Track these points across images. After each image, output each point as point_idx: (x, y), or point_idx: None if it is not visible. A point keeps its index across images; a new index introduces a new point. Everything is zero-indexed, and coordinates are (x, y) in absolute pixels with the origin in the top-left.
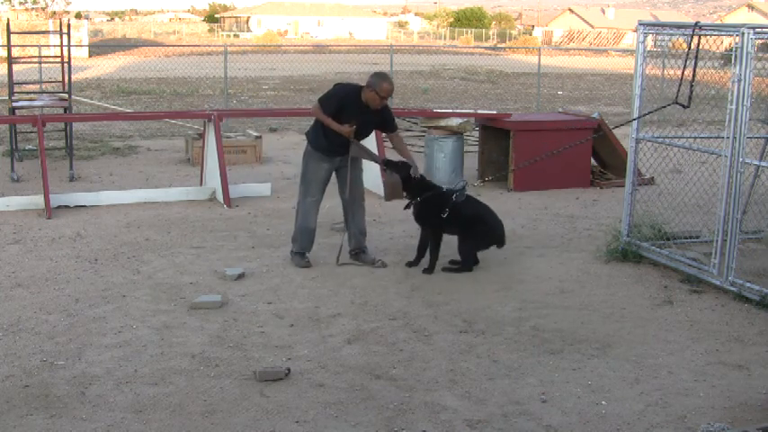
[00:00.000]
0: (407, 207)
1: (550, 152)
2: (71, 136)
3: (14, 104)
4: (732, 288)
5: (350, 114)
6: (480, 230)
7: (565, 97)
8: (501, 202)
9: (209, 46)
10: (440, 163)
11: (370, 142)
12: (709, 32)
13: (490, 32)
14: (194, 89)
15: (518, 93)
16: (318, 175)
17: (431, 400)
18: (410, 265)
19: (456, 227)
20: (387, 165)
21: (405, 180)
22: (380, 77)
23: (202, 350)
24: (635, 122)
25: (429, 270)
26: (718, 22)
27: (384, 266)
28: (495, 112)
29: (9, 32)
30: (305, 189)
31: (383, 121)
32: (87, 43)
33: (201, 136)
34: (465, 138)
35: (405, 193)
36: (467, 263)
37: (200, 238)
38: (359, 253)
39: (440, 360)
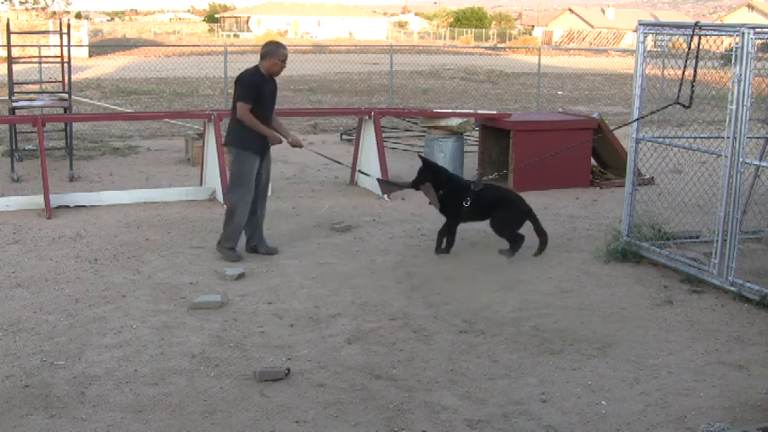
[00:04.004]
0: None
1: (553, 153)
2: (71, 136)
3: (14, 104)
4: (732, 288)
5: (264, 93)
6: (506, 211)
7: (565, 97)
8: None
9: (210, 46)
10: (440, 163)
11: (371, 145)
12: (709, 32)
13: (490, 32)
14: (194, 89)
15: (518, 93)
16: (254, 175)
17: (431, 400)
18: (439, 252)
19: (481, 214)
20: (416, 184)
21: (435, 183)
22: (275, 45)
23: (202, 350)
24: (635, 123)
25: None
26: (718, 22)
27: (277, 252)
28: (495, 112)
29: (9, 32)
30: (245, 189)
31: (276, 91)
32: (87, 43)
33: (201, 136)
34: (465, 138)
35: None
36: (515, 243)
37: (200, 238)
38: (259, 245)
39: (440, 360)
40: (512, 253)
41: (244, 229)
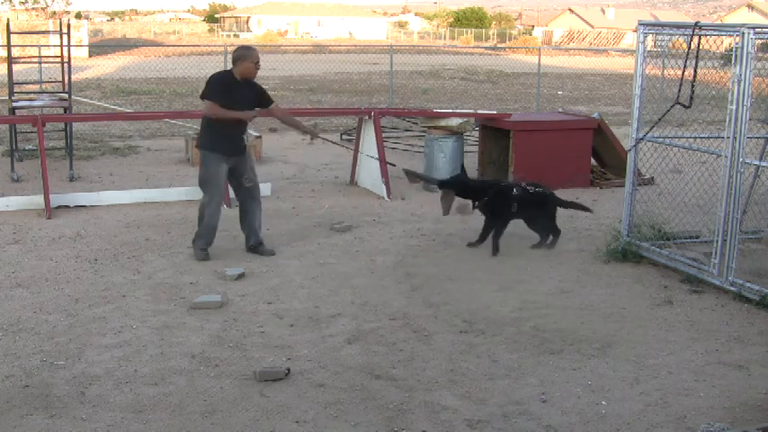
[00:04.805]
0: (475, 208)
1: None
2: (71, 136)
3: (14, 104)
4: (732, 288)
5: (235, 95)
6: (546, 209)
7: (565, 97)
8: None
9: (210, 46)
10: (440, 163)
11: (371, 145)
12: (709, 32)
13: (490, 32)
14: (194, 89)
15: (518, 93)
16: (221, 177)
17: (431, 400)
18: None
19: (524, 214)
20: (443, 185)
21: (460, 192)
22: (245, 48)
23: (202, 350)
24: (635, 123)
25: (495, 251)
26: (718, 22)
27: (273, 254)
28: (495, 112)
29: (9, 32)
30: (212, 191)
31: (259, 96)
32: (87, 43)
33: None
34: (465, 138)
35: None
36: (556, 233)
37: None
38: (257, 246)
39: (440, 360)
40: (554, 243)
41: (241, 230)
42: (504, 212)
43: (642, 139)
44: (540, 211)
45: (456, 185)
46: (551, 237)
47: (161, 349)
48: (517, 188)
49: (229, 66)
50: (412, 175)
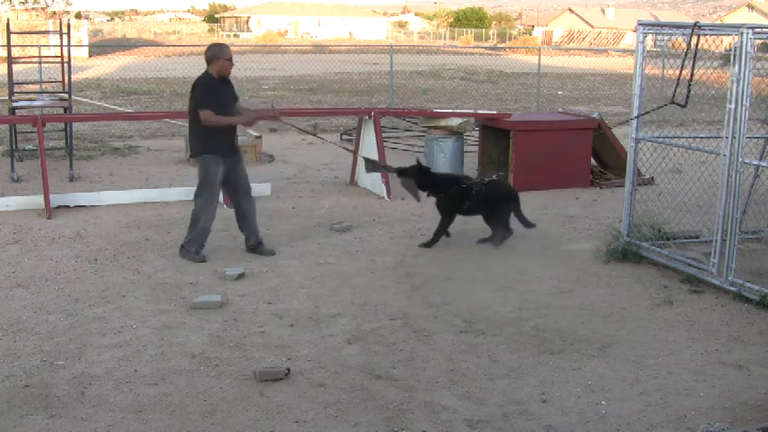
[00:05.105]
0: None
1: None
2: (71, 136)
3: (14, 104)
4: (732, 288)
5: (221, 96)
6: (499, 207)
7: (565, 97)
8: None
9: None
10: (440, 163)
11: (371, 145)
12: (708, 32)
13: (490, 32)
14: None
15: (518, 93)
16: (219, 179)
17: (431, 400)
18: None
19: (479, 212)
20: (401, 174)
21: (420, 182)
22: (218, 46)
23: (202, 350)
24: (635, 122)
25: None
26: (718, 22)
27: (273, 254)
28: (495, 112)
29: (9, 32)
30: (210, 194)
31: (233, 91)
32: (87, 43)
33: None
34: (465, 138)
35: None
36: (506, 230)
37: None
38: (257, 246)
39: (440, 360)
40: (499, 240)
41: (240, 230)
42: (454, 210)
43: (620, 124)
44: (496, 209)
45: (414, 175)
46: (497, 234)
47: (161, 349)
48: (477, 185)
49: None
50: (370, 164)
